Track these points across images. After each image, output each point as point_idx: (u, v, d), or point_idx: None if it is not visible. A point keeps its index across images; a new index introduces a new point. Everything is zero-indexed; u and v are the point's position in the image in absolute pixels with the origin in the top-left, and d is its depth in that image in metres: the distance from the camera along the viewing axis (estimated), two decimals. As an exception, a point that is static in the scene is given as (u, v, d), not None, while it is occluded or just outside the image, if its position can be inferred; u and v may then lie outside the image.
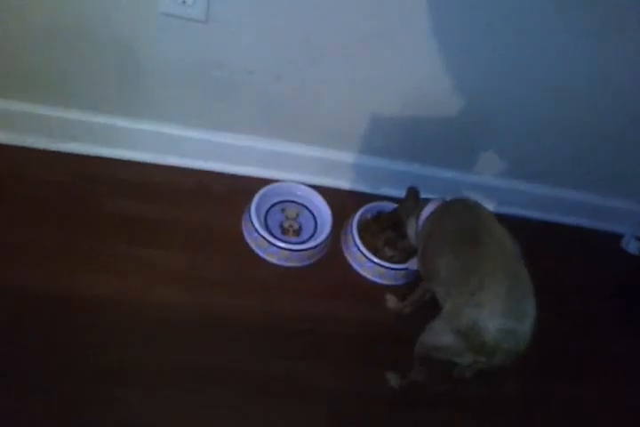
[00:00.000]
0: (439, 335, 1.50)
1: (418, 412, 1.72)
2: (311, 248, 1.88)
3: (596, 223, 2.43)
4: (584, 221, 2.42)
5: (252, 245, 1.90)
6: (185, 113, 1.92)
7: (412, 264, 1.84)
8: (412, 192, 1.86)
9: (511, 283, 1.44)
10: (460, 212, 1.66)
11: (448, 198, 1.74)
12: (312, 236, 1.97)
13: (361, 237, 1.94)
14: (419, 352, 1.59)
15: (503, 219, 1.63)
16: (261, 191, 1.95)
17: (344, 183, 2.17)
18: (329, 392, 1.69)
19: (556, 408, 1.85)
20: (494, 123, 1.97)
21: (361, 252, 1.92)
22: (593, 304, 2.18)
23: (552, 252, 2.25)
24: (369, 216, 2.01)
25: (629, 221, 2.42)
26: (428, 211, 1.72)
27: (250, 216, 1.88)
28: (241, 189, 2.01)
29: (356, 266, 1.97)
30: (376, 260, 1.91)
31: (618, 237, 2.45)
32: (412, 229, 1.79)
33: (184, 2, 1.54)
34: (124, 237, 1.82)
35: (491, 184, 2.19)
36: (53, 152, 1.94)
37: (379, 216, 1.98)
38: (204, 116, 1.93)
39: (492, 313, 1.40)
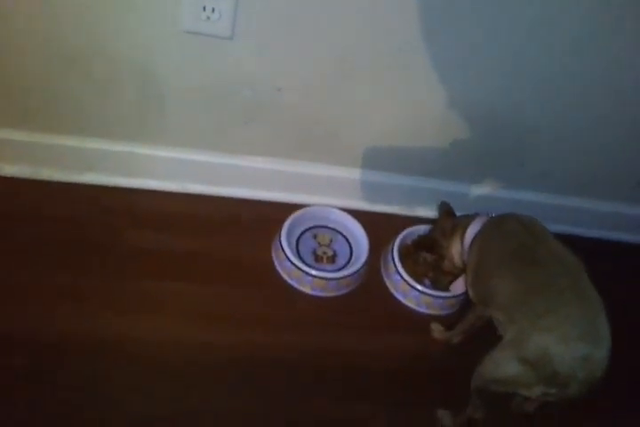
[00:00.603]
0: (503, 366, 1.35)
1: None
2: (348, 276, 1.74)
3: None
4: (630, 237, 2.26)
5: (285, 276, 1.76)
6: (209, 137, 1.81)
7: (459, 287, 1.69)
8: (445, 208, 1.72)
9: (581, 303, 1.31)
10: (513, 228, 1.51)
11: (493, 214, 1.61)
12: (348, 262, 1.83)
13: (403, 264, 1.80)
14: (477, 385, 1.43)
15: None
16: (291, 217, 1.82)
17: (378, 206, 2.04)
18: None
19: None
20: (544, 134, 1.85)
21: (404, 280, 1.78)
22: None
23: (607, 270, 2.08)
24: (409, 242, 1.87)
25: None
26: (474, 228, 1.58)
27: (280, 244, 1.75)
28: (270, 216, 1.88)
29: (398, 295, 1.82)
30: (421, 288, 1.77)
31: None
32: (455, 247, 1.63)
33: (209, 18, 1.43)
34: (148, 272, 1.69)
35: (536, 200, 2.05)
36: (69, 184, 1.82)
37: (417, 240, 1.84)
38: (229, 139, 1.82)
39: (565, 338, 1.27)
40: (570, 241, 2.06)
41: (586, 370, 1.26)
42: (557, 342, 1.27)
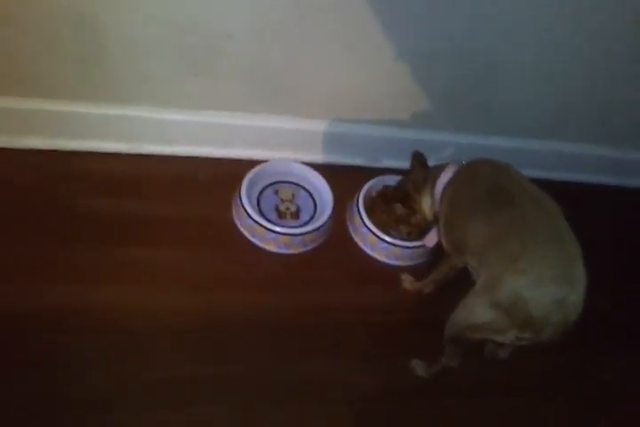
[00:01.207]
0: (476, 312, 1.31)
1: (453, 400, 1.55)
2: (313, 230, 1.68)
3: (621, 180, 2.25)
4: (610, 179, 2.23)
5: (247, 234, 1.69)
6: (158, 92, 1.69)
7: (430, 240, 1.64)
8: (418, 159, 1.64)
9: (558, 244, 1.27)
10: (486, 172, 1.46)
11: (464, 162, 1.54)
12: (312, 218, 1.76)
13: (369, 217, 1.74)
14: (451, 334, 1.40)
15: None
16: (251, 173, 1.74)
17: (341, 158, 1.95)
18: (352, 391, 1.51)
19: (600, 386, 1.68)
20: (508, 72, 1.76)
21: (372, 232, 1.72)
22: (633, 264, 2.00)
23: (579, 213, 2.05)
24: (374, 193, 1.80)
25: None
26: (445, 177, 1.51)
27: (241, 201, 1.67)
28: (228, 173, 1.78)
29: (366, 248, 1.77)
30: (390, 239, 1.72)
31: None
32: (426, 201, 1.58)
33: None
34: (106, 238, 1.61)
35: (507, 146, 1.98)
36: (14, 150, 1.69)
37: (385, 191, 1.77)
38: (180, 93, 1.70)
39: (540, 281, 1.23)
40: (542, 186, 2.06)
41: (560, 313, 1.23)
42: (532, 285, 1.23)
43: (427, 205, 1.58)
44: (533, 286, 1.23)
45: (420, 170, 1.62)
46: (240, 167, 1.77)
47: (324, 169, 1.85)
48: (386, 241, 1.71)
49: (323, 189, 1.79)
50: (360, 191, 1.78)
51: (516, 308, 1.23)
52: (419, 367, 1.54)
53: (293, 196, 1.81)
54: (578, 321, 1.25)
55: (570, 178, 2.17)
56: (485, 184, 1.43)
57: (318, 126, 1.85)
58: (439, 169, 1.54)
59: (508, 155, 1.98)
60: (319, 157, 1.92)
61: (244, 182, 1.71)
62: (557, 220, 1.33)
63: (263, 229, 1.65)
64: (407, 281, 1.71)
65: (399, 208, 1.66)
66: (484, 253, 1.34)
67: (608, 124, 2.01)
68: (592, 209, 2.06)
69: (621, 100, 1.92)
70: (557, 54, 1.72)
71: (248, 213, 1.65)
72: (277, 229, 1.65)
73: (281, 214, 1.76)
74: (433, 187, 1.54)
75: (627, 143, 2.12)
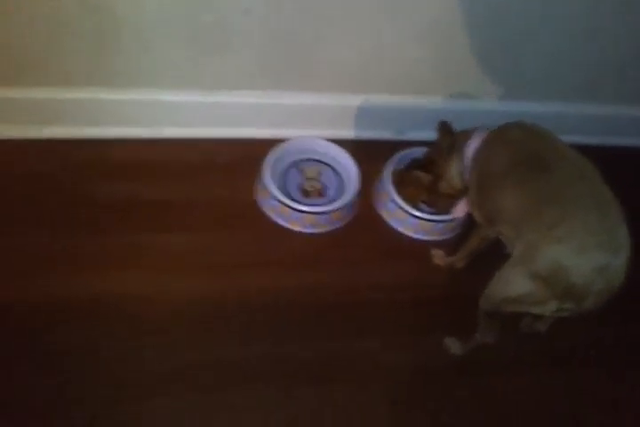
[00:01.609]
0: (513, 283, 1.25)
1: (491, 378, 1.50)
2: (340, 208, 1.63)
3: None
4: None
5: (272, 215, 1.65)
6: (175, 74, 1.64)
7: (460, 211, 1.57)
8: (444, 127, 1.56)
9: (599, 209, 1.20)
10: (519, 137, 1.38)
11: (494, 127, 1.45)
12: (338, 195, 1.70)
13: (398, 192, 1.67)
14: (486, 308, 1.34)
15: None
16: (273, 152, 1.68)
17: (365, 132, 1.88)
18: (385, 371, 1.47)
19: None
20: (532, 32, 1.66)
21: (400, 207, 1.66)
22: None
23: (613, 176, 1.94)
24: (402, 167, 1.73)
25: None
26: (475, 142, 1.43)
27: (264, 182, 1.62)
28: (251, 154, 1.72)
29: (395, 224, 1.71)
30: (419, 214, 1.65)
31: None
32: (455, 169, 1.50)
33: None
34: (129, 225, 1.58)
35: (539, 111, 1.86)
36: (31, 140, 1.67)
37: (412, 164, 1.70)
38: (197, 74, 1.65)
39: (581, 248, 1.16)
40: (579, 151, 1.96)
41: (604, 281, 1.17)
42: (573, 252, 1.17)
43: (455, 171, 1.50)
44: (575, 253, 1.16)
45: (447, 136, 1.54)
46: (261, 147, 1.71)
47: (349, 145, 1.79)
48: (415, 216, 1.65)
49: (348, 166, 1.73)
50: (387, 166, 1.72)
51: (556, 277, 1.17)
52: (453, 345, 1.49)
53: (319, 173, 1.75)
54: (621, 288, 1.18)
55: (607, 142, 2.05)
56: (518, 149, 1.35)
57: (340, 101, 1.79)
58: (467, 134, 1.46)
59: (541, 120, 1.92)
60: (343, 133, 1.86)
61: (267, 162, 1.66)
62: (597, 184, 1.25)
63: (288, 209, 1.60)
64: (438, 256, 1.65)
65: (424, 176, 1.58)
66: (519, 222, 1.27)
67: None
68: (631, 171, 1.97)
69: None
70: (592, 9, 1.61)
71: (272, 193, 1.61)
72: (303, 208, 1.60)
73: (306, 193, 1.71)
74: (461, 153, 1.46)
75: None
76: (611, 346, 1.59)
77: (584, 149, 1.98)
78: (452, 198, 1.60)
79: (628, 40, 1.72)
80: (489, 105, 1.86)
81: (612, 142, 2.05)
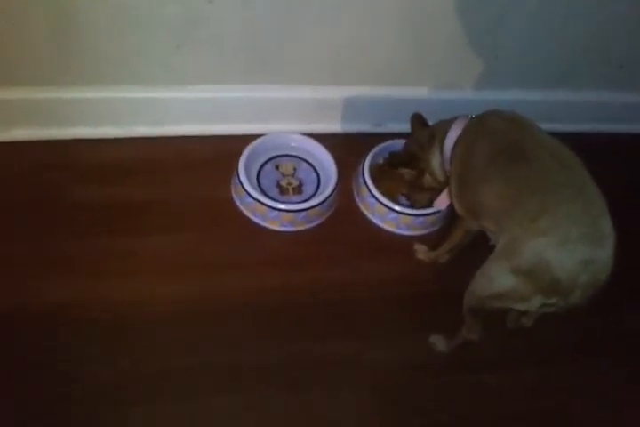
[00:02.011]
0: (495, 279, 1.21)
1: (479, 375, 1.46)
2: (318, 205, 1.57)
3: (633, 127, 2.06)
4: (620, 127, 2.05)
5: (249, 214, 1.59)
6: (143, 70, 1.58)
7: (442, 203, 1.52)
8: (417, 119, 1.52)
9: (581, 200, 1.15)
10: (498, 126, 1.33)
11: (473, 115, 1.40)
12: (316, 191, 1.65)
13: (377, 186, 1.62)
14: (470, 304, 1.30)
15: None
16: (248, 149, 1.63)
17: (342, 125, 1.83)
18: (372, 371, 1.43)
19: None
20: (509, 18, 1.60)
21: (380, 202, 1.61)
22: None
23: (591, 164, 1.91)
24: (381, 160, 1.68)
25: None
26: (454, 132, 1.38)
27: (239, 180, 1.56)
28: (225, 151, 1.68)
29: (375, 219, 1.66)
30: (399, 208, 1.60)
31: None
32: (435, 160, 1.45)
33: None
34: (104, 228, 1.53)
35: (519, 98, 1.80)
36: (-2, 143, 1.61)
37: (391, 158, 1.66)
38: (164, 69, 1.59)
39: (563, 240, 1.12)
40: (561, 139, 1.92)
41: (589, 274, 1.13)
42: (555, 245, 1.13)
43: (436, 163, 1.46)
44: (557, 246, 1.12)
45: (422, 129, 1.50)
46: (237, 143, 1.66)
47: (326, 139, 1.73)
48: (395, 210, 1.60)
49: (325, 161, 1.68)
50: (365, 160, 1.67)
51: (539, 272, 1.13)
52: (438, 342, 1.45)
53: (295, 169, 1.70)
54: (608, 280, 1.14)
55: (588, 129, 2.00)
56: (497, 139, 1.30)
57: (316, 94, 1.73)
58: (446, 124, 1.41)
59: (521, 108, 1.87)
60: (320, 127, 1.80)
61: (242, 159, 1.60)
62: (579, 173, 1.21)
63: (265, 208, 1.55)
64: (421, 251, 1.60)
65: (407, 173, 1.53)
66: (501, 214, 1.23)
67: (626, 69, 1.84)
68: (612, 160, 1.93)
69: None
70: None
71: (247, 192, 1.55)
72: (280, 206, 1.55)
73: (283, 190, 1.65)
74: (442, 143, 1.41)
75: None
76: (599, 339, 1.56)
77: (565, 137, 1.96)
78: (433, 191, 1.55)
79: (605, 26, 1.68)
80: (468, 94, 1.81)
81: (593, 129, 2.01)
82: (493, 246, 1.26)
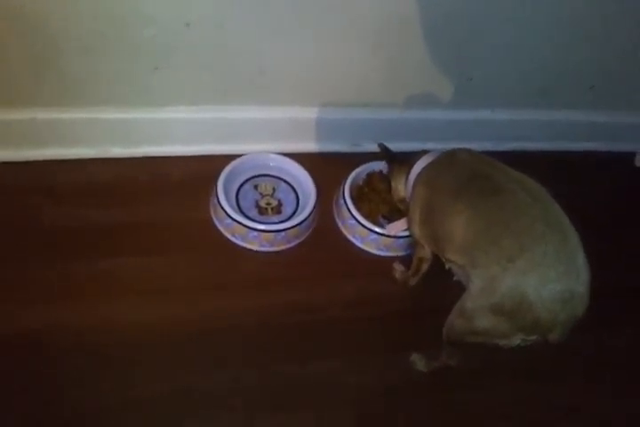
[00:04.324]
0: (475, 319, 1.15)
1: (455, 395, 1.39)
2: (297, 225, 1.50)
3: (602, 145, 2.05)
4: (590, 145, 2.03)
5: (228, 234, 1.52)
6: (119, 91, 1.50)
7: (393, 229, 1.49)
8: (383, 149, 1.51)
9: (556, 236, 1.09)
10: (467, 159, 1.29)
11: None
12: (295, 211, 1.59)
13: (357, 207, 1.56)
14: (450, 339, 1.25)
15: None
16: (226, 169, 1.56)
17: (320, 146, 1.76)
18: (351, 392, 1.36)
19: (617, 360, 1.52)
20: (486, 37, 1.57)
21: (360, 224, 1.55)
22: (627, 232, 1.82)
23: (562, 182, 1.86)
24: (361, 182, 1.63)
25: (639, 137, 2.05)
26: (421, 164, 1.34)
27: (218, 200, 1.49)
28: (203, 171, 1.60)
29: (355, 240, 1.60)
30: (380, 230, 1.54)
31: (630, 157, 2.08)
32: (401, 187, 1.42)
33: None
34: (80, 252, 1.44)
35: (495, 119, 1.81)
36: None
37: (370, 179, 1.61)
38: (142, 90, 1.52)
39: (543, 280, 1.07)
40: (531, 158, 1.88)
41: (567, 311, 1.08)
42: (536, 286, 1.07)
43: (401, 187, 1.42)
44: (538, 286, 1.07)
45: (388, 157, 1.48)
46: (215, 164, 1.59)
47: (305, 159, 1.67)
48: (376, 232, 1.54)
49: (304, 181, 1.61)
50: (345, 181, 1.60)
51: (520, 312, 1.08)
52: (419, 362, 1.39)
53: (274, 189, 1.63)
54: (585, 314, 1.10)
55: (557, 147, 1.98)
56: (468, 170, 1.26)
57: (293, 114, 1.67)
58: (418, 155, 1.38)
59: (494, 127, 1.85)
60: (298, 147, 1.73)
61: (220, 180, 1.53)
62: (550, 206, 1.16)
63: (244, 228, 1.48)
64: (399, 271, 1.54)
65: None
66: (473, 248, 1.16)
67: (596, 89, 1.82)
68: (582, 177, 1.91)
69: (608, 62, 1.74)
70: (542, 18, 1.53)
71: (227, 213, 1.48)
72: (259, 226, 1.48)
73: (262, 210, 1.58)
74: (409, 171, 1.38)
75: (615, 107, 1.93)
76: (576, 355, 1.49)
77: (535, 155, 1.94)
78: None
79: (577, 48, 1.65)
80: (443, 114, 1.77)
81: (563, 148, 1.98)
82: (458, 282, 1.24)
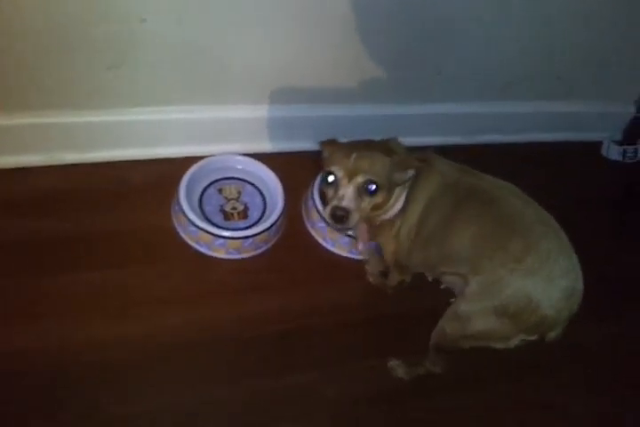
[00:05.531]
0: (474, 321, 1.11)
1: (439, 399, 1.32)
2: (265, 230, 1.41)
3: (570, 135, 1.99)
4: (558, 135, 1.98)
5: (192, 243, 1.41)
6: (73, 93, 1.39)
7: (362, 241, 1.36)
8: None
9: (552, 234, 1.10)
10: (449, 172, 1.18)
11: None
12: (262, 215, 1.49)
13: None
14: (440, 344, 1.20)
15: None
16: (188, 173, 1.44)
17: (287, 145, 1.67)
18: (329, 403, 1.28)
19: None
20: (456, 33, 1.50)
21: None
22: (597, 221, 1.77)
23: (533, 174, 1.79)
24: None
25: (605, 126, 2.01)
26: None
27: (180, 207, 1.38)
28: (167, 175, 1.48)
29: (326, 244, 1.51)
30: (353, 233, 1.44)
31: (597, 146, 2.04)
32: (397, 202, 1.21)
33: None
34: (35, 266, 1.32)
35: (462, 111, 1.75)
36: None
37: None
38: (95, 92, 1.41)
39: (551, 278, 1.06)
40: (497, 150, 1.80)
41: (569, 307, 1.09)
42: (543, 284, 1.06)
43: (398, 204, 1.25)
44: (545, 284, 1.06)
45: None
46: (176, 167, 1.48)
47: (271, 159, 1.57)
48: (349, 235, 1.45)
49: (271, 183, 1.51)
50: (314, 181, 1.50)
51: (526, 312, 1.06)
52: (398, 369, 1.31)
53: (239, 193, 1.52)
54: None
55: (527, 139, 1.92)
56: (456, 186, 1.17)
57: (257, 112, 1.57)
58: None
59: (466, 121, 1.78)
60: (263, 147, 1.64)
61: (182, 184, 1.42)
62: (537, 206, 1.15)
63: (209, 236, 1.37)
64: (372, 274, 1.45)
65: None
66: (476, 258, 1.12)
67: (563, 79, 1.76)
68: (551, 167, 1.87)
69: (574, 53, 1.69)
70: (510, 13, 1.47)
71: (190, 220, 1.37)
72: (224, 233, 1.38)
73: (227, 215, 1.48)
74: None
75: (582, 97, 1.88)
76: (558, 355, 1.43)
77: (505, 147, 1.88)
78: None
79: (545, 40, 1.61)
80: (412, 109, 1.70)
81: (532, 139, 1.92)
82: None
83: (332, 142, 1.21)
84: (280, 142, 1.64)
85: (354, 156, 1.10)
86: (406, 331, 1.27)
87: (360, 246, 1.40)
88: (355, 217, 1.09)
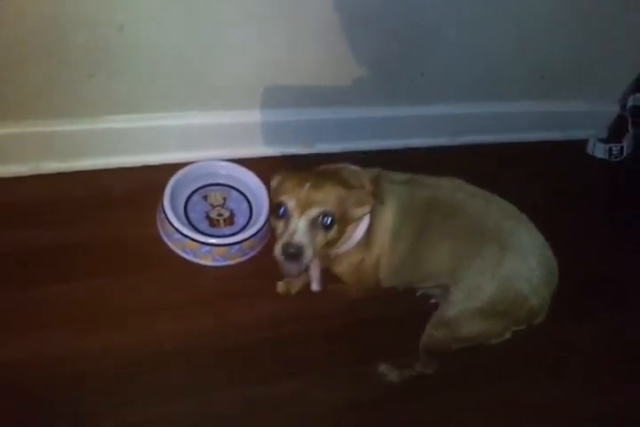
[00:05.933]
0: (465, 326, 1.12)
1: (430, 401, 1.30)
2: (251, 237, 1.38)
3: (555, 134, 1.98)
4: (542, 135, 1.97)
5: (178, 250, 1.38)
6: (52, 101, 1.36)
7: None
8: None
9: (523, 226, 1.11)
10: (404, 191, 1.14)
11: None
12: (249, 221, 1.46)
13: None
14: (432, 348, 1.20)
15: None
16: (172, 180, 1.42)
17: (271, 149, 1.64)
18: (321, 408, 1.26)
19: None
20: (440, 35, 1.49)
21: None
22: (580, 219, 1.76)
23: (519, 173, 1.80)
24: None
25: (590, 125, 2.00)
26: (364, 226, 1.14)
27: (165, 215, 1.35)
28: (148, 183, 1.46)
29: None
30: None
31: (582, 144, 2.02)
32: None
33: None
34: (20, 278, 1.29)
35: (442, 113, 1.73)
36: None
37: None
38: (76, 100, 1.38)
39: (530, 270, 1.07)
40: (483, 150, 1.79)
41: (550, 291, 1.11)
42: (525, 277, 1.07)
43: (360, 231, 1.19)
44: (527, 276, 1.07)
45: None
46: (160, 175, 1.44)
47: (257, 164, 1.54)
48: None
49: (256, 188, 1.48)
50: (165, 190, 1.41)
51: (515, 306, 1.07)
52: (390, 373, 1.30)
53: (225, 199, 1.50)
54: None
55: (512, 138, 1.90)
56: (416, 204, 1.13)
57: (241, 118, 1.55)
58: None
59: (451, 122, 1.77)
60: (247, 152, 1.61)
61: (167, 192, 1.39)
62: (496, 199, 1.15)
63: (194, 243, 1.35)
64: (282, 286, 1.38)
65: None
66: (453, 269, 1.12)
67: (546, 78, 1.75)
68: (534, 166, 1.86)
69: (557, 52, 1.67)
70: (490, 9, 1.44)
71: (175, 227, 1.34)
72: (210, 240, 1.35)
73: (213, 222, 1.45)
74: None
75: (566, 96, 1.87)
76: (551, 354, 1.44)
77: (489, 147, 1.86)
78: None
79: (528, 40, 1.60)
80: (398, 111, 1.68)
81: (515, 138, 1.91)
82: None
83: (281, 172, 1.13)
84: (265, 147, 1.62)
85: (307, 185, 1.01)
86: (392, 334, 1.27)
87: (314, 287, 1.28)
88: (309, 254, 1.00)
